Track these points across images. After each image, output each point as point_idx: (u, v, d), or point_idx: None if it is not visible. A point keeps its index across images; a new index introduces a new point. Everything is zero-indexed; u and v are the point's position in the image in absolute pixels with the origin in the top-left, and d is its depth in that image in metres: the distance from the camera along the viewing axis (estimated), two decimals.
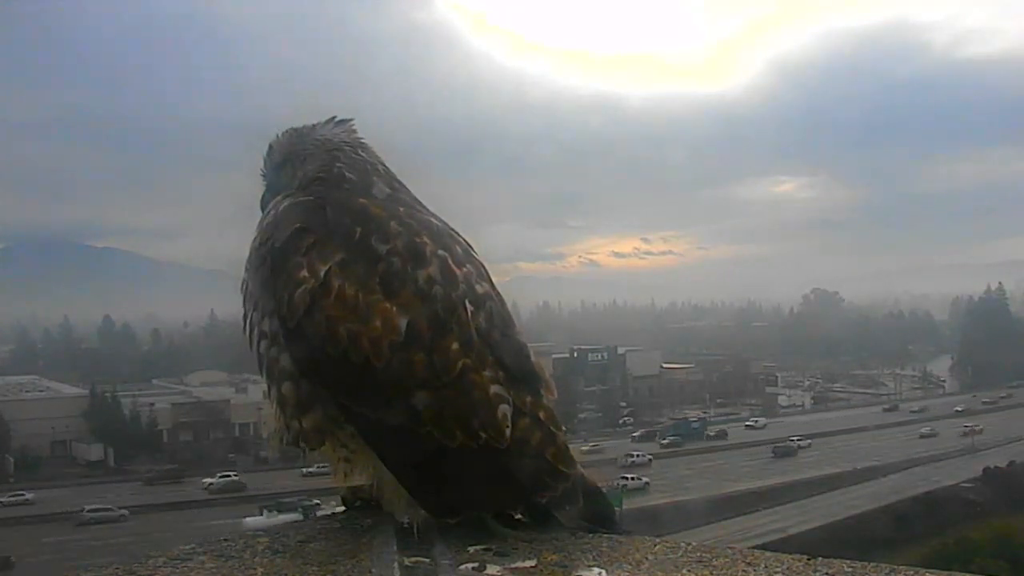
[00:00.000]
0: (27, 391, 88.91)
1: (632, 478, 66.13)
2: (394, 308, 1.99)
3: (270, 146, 2.36)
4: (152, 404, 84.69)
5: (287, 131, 2.34)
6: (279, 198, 2.24)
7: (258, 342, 2.12)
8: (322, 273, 2.01)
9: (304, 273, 2.02)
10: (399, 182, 2.28)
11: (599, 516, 2.22)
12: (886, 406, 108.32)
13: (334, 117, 2.32)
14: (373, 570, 1.91)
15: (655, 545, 2.07)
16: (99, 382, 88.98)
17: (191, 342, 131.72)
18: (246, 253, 2.21)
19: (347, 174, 2.21)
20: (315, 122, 2.32)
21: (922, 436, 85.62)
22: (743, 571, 1.88)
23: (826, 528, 52.52)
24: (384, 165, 2.29)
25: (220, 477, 68.04)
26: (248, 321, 2.16)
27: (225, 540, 2.13)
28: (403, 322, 1.98)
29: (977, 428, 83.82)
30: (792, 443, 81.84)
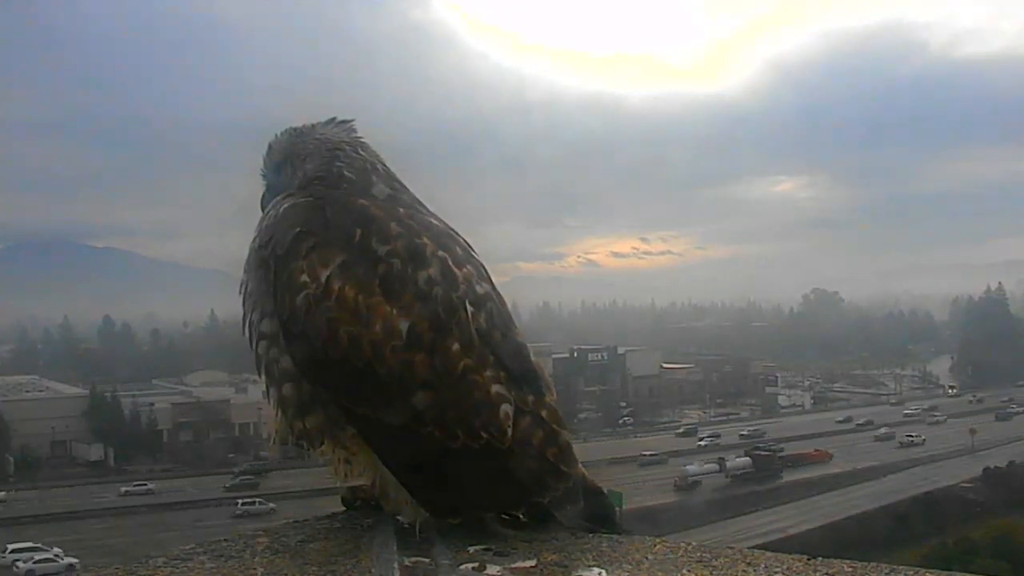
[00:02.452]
0: (27, 391, 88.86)
1: (912, 436, 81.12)
2: (395, 311, 1.99)
3: (270, 146, 2.36)
4: (152, 404, 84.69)
5: (287, 131, 2.34)
6: (279, 199, 2.23)
7: (257, 343, 2.12)
8: (323, 277, 2.01)
9: (305, 277, 2.02)
10: (399, 182, 2.28)
11: (599, 516, 2.22)
12: (678, 430, 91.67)
13: (334, 117, 2.32)
14: (373, 570, 1.92)
15: (655, 545, 2.07)
16: (99, 382, 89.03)
17: (191, 342, 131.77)
18: (246, 253, 2.21)
19: (347, 174, 2.21)
20: (315, 122, 2.33)
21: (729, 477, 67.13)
22: (743, 571, 1.89)
23: (826, 528, 52.49)
24: (384, 165, 2.29)
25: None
26: (248, 322, 2.16)
27: (225, 540, 2.13)
28: (404, 325, 1.99)
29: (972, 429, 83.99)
30: (1012, 408, 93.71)
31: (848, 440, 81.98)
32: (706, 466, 65.99)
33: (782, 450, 73.21)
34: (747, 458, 67.02)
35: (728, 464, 65.52)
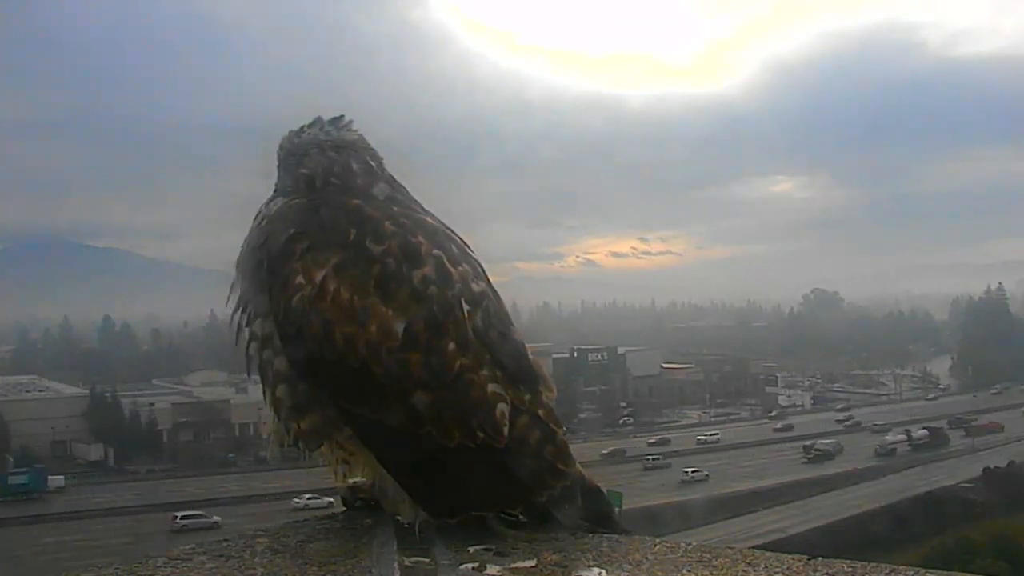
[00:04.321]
0: (27, 391, 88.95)
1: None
2: (390, 311, 1.99)
3: (279, 147, 2.35)
4: (152, 404, 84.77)
5: (288, 133, 2.34)
6: (273, 199, 2.23)
7: (248, 343, 2.12)
8: (318, 278, 2.00)
9: (300, 278, 2.01)
10: (397, 182, 2.28)
11: (599, 516, 2.21)
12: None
13: (332, 117, 2.31)
14: (373, 570, 1.92)
15: (655, 545, 2.07)
16: (99, 382, 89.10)
17: (191, 342, 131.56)
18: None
19: (344, 174, 2.21)
20: (313, 121, 2.32)
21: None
22: (743, 571, 1.88)
23: (826, 528, 52.49)
24: (382, 165, 2.29)
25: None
26: (240, 323, 2.16)
27: (225, 540, 2.13)
28: (399, 326, 1.98)
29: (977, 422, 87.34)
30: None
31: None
32: (898, 436, 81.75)
33: (976, 419, 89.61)
34: (925, 430, 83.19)
35: (913, 435, 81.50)
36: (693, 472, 69.01)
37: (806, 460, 75.39)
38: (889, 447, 78.62)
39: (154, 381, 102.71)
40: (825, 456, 75.68)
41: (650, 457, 75.05)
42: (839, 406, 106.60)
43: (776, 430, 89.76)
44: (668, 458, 74.76)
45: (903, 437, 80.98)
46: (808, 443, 79.08)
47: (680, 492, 64.36)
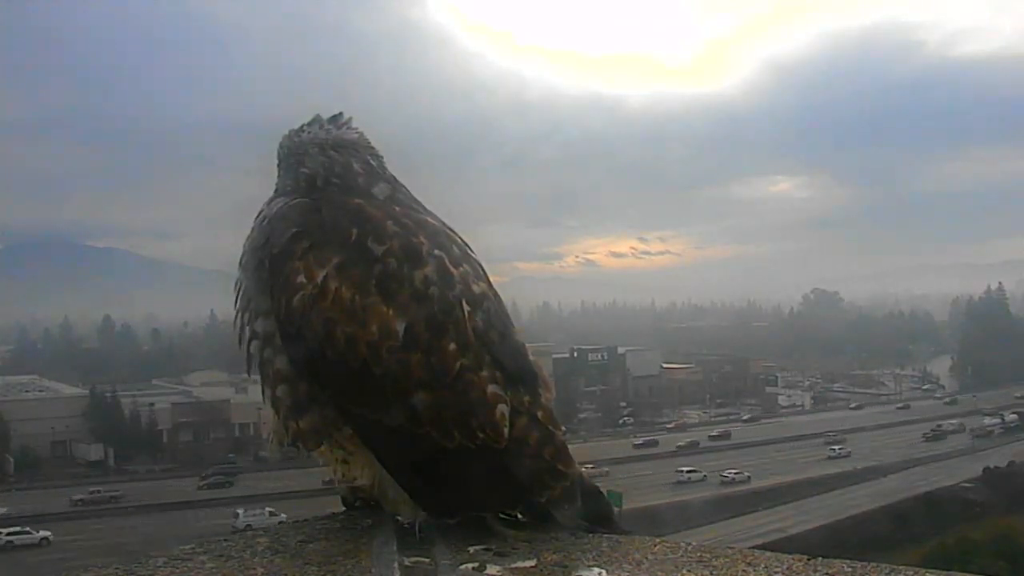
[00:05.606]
0: (27, 391, 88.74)
1: None
2: (391, 311, 1.98)
3: (279, 147, 2.35)
4: (152, 404, 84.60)
5: (288, 132, 2.33)
6: (274, 199, 2.23)
7: (249, 342, 2.12)
8: (319, 277, 2.00)
9: (302, 278, 2.01)
10: (398, 181, 2.27)
11: (599, 516, 2.21)
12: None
13: (332, 115, 2.30)
14: (373, 570, 1.91)
15: (655, 545, 2.07)
16: (99, 382, 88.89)
17: (191, 342, 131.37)
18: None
19: (345, 174, 2.20)
20: (312, 121, 2.31)
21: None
22: (743, 571, 1.88)
23: (826, 528, 52.53)
24: (383, 164, 2.28)
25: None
26: (240, 320, 2.15)
27: (225, 540, 2.13)
28: (400, 326, 1.98)
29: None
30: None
31: None
32: (994, 419, 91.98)
33: None
34: (1015, 415, 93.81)
35: (1005, 418, 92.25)
36: (840, 448, 78.13)
37: (924, 439, 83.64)
38: (987, 429, 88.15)
39: (154, 381, 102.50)
40: (941, 436, 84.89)
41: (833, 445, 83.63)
42: (744, 414, 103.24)
43: (637, 446, 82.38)
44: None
45: (998, 420, 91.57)
46: (937, 424, 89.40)
47: (825, 467, 71.81)
